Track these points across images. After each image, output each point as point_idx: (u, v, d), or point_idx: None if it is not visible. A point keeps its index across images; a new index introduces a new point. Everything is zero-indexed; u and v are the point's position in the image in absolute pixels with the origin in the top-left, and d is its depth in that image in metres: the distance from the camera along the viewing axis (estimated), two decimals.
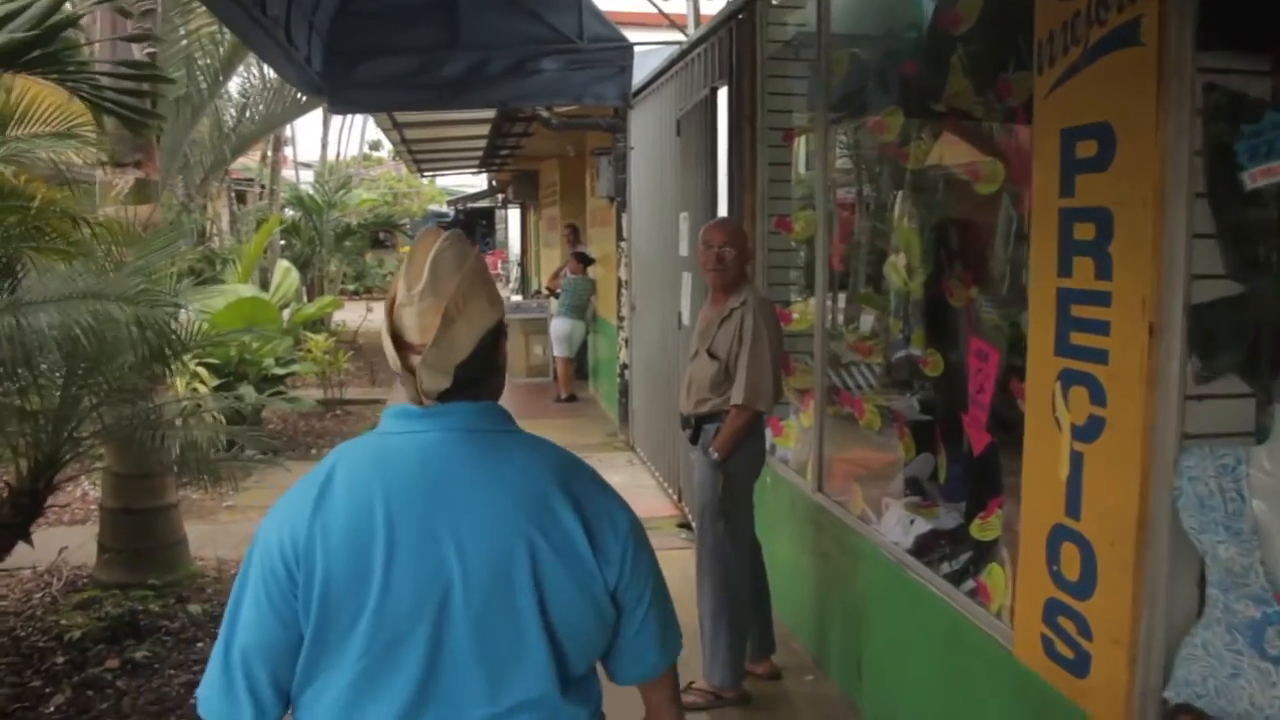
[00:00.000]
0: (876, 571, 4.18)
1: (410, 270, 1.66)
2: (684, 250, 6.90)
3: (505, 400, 1.79)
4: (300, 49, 4.55)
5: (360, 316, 18.00)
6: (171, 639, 5.30)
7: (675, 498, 7.58)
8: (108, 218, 5.42)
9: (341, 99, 6.06)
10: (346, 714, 1.61)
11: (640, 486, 8.22)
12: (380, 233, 26.83)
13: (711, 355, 4.45)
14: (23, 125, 4.87)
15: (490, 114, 10.31)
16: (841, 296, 5.30)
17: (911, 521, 4.17)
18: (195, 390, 8.43)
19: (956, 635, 3.49)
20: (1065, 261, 2.74)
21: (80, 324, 3.90)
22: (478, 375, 1.68)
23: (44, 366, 4.53)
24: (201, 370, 8.53)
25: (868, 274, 5.16)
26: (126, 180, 5.45)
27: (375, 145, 29.44)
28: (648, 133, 8.32)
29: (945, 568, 3.87)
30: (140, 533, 5.75)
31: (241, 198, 15.79)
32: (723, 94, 5.97)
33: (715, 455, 4.33)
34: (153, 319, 4.19)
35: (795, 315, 5.47)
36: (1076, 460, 2.72)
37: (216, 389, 8.97)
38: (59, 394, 4.66)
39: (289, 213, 16.58)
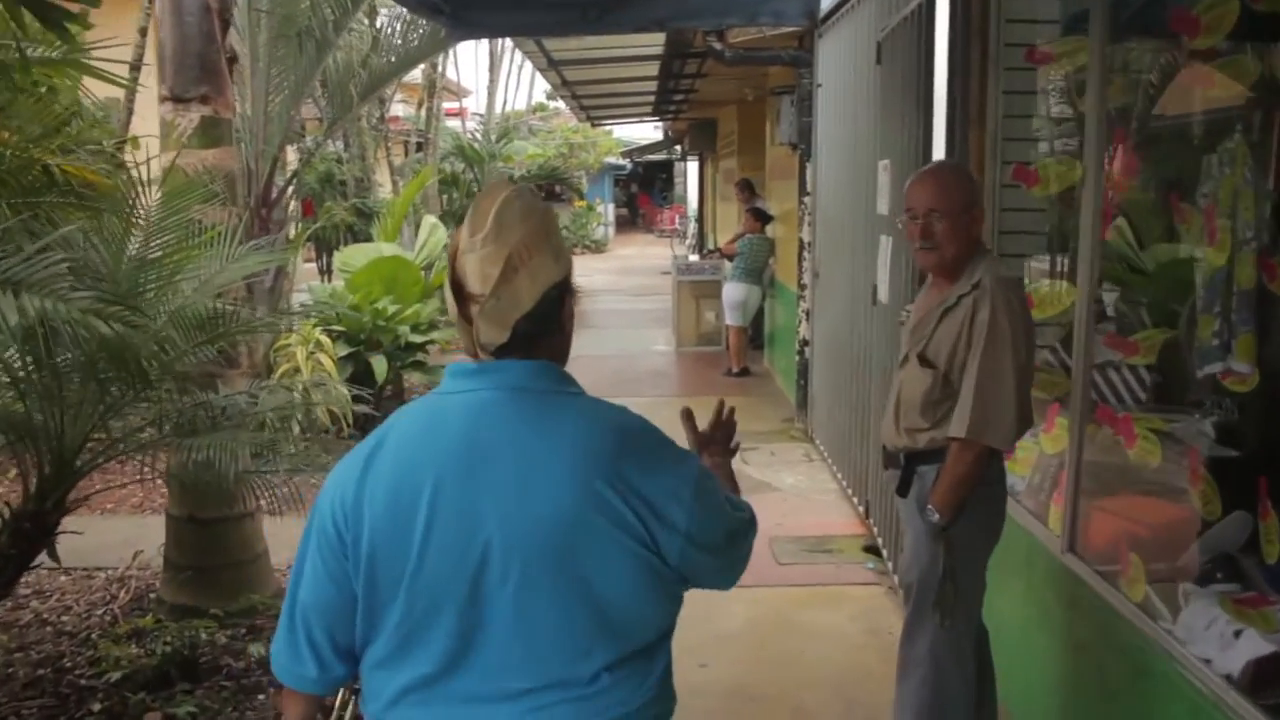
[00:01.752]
0: (1176, 705, 2.76)
1: (475, 217, 1.61)
2: (883, 208, 5.48)
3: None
4: None
5: None
6: (231, 685, 4.32)
7: (862, 510, 6.20)
8: (175, 166, 4.42)
9: (464, 20, 4.90)
10: (387, 677, 1.63)
11: (819, 492, 6.87)
12: (555, 185, 26.06)
13: (926, 362, 3.10)
14: None
15: (658, 48, 9.02)
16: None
17: (1236, 634, 2.73)
18: (318, 362, 7.50)
19: None
20: None
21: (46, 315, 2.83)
22: (538, 331, 1.62)
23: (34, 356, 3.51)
24: (324, 339, 7.59)
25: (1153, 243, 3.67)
26: (190, 119, 4.42)
27: (551, 96, 28.60)
28: (839, 64, 6.88)
29: None
30: (209, 547, 4.79)
31: (419, 148, 15.01)
32: (942, 3, 4.51)
33: (935, 518, 2.99)
34: (118, 317, 3.04)
35: (1034, 299, 4.00)
36: None
37: (344, 359, 8.06)
38: (66, 387, 3.64)
39: (451, 165, 15.75)
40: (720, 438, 2.13)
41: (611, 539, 1.56)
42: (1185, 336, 3.35)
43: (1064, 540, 3.50)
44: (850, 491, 6.59)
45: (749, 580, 1.94)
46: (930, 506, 3.00)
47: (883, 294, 5.53)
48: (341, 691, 1.94)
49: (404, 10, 7.82)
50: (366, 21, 9.21)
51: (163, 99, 4.55)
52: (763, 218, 10.87)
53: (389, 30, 7.87)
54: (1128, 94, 3.76)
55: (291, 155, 15.64)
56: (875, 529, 5.87)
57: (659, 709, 1.69)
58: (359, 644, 1.65)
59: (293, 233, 10.19)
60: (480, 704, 1.60)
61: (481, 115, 20.09)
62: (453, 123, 19.62)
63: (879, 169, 5.55)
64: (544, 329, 1.63)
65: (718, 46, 7.84)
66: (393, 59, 7.75)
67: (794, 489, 6.93)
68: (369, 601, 1.60)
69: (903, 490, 3.21)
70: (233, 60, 4.63)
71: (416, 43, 7.73)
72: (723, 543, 1.69)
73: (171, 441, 4.06)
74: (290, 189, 7.91)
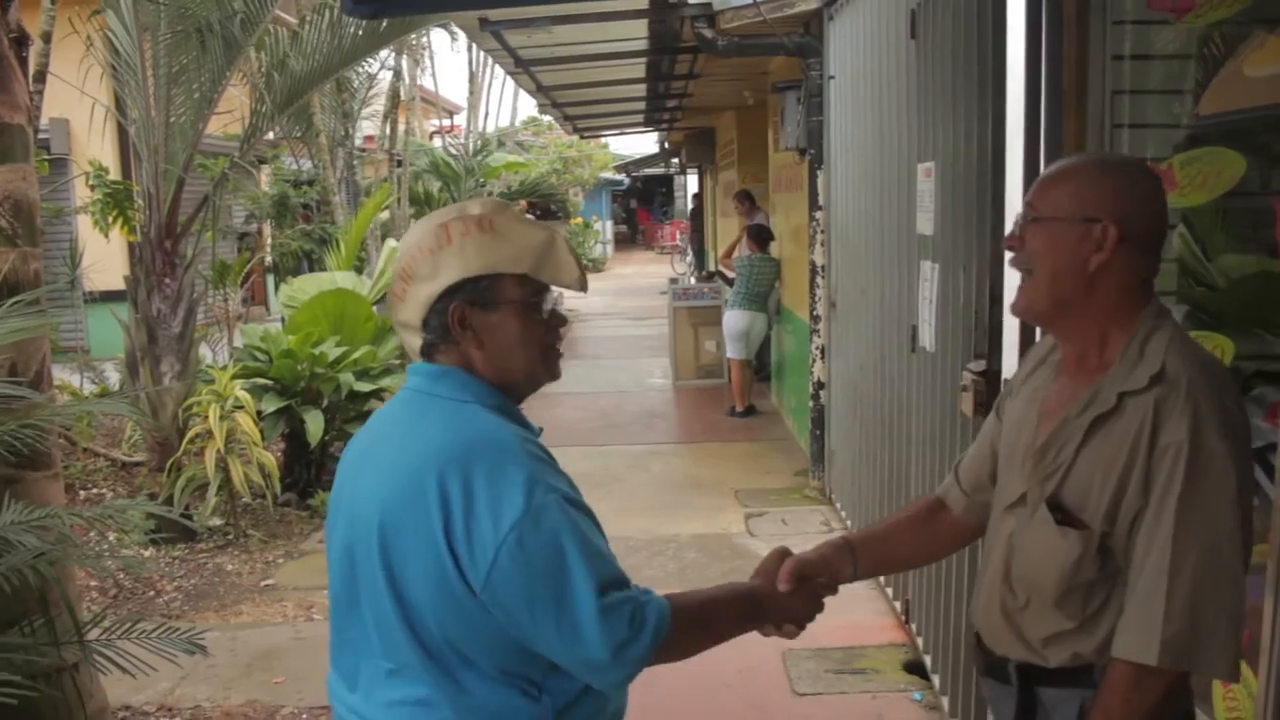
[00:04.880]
0: None
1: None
2: (925, 226, 4.17)
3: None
4: None
5: None
6: None
7: (900, 610, 4.87)
8: None
9: None
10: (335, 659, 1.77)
11: None
12: (550, 204, 24.77)
13: (1064, 514, 1.76)
14: None
15: (641, 42, 7.73)
16: None
17: None
18: (235, 423, 6.19)
19: None
20: None
21: None
22: (433, 340, 1.69)
23: None
24: (244, 395, 6.28)
25: None
26: None
27: (542, 110, 27.47)
28: (857, 47, 5.57)
29: None
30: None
31: (399, 166, 13.76)
32: None
33: None
34: None
35: None
36: None
37: (275, 415, 6.75)
38: None
39: (424, 184, 14.43)
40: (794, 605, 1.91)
41: (421, 538, 1.57)
42: None
43: None
44: (882, 580, 5.26)
45: None
46: None
47: (926, 338, 4.22)
48: None
49: (331, 7, 6.59)
50: (295, 20, 7.99)
51: None
52: (763, 237, 9.54)
53: (313, 27, 6.55)
54: None
55: (265, 176, 14.48)
56: (919, 637, 4.54)
57: None
58: None
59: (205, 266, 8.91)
60: (359, 685, 1.70)
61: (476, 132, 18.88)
62: (441, 141, 18.38)
63: (918, 175, 4.24)
64: (439, 339, 1.69)
65: (708, 34, 6.54)
66: (317, 61, 6.45)
67: None
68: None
69: (1025, 717, 1.88)
70: (20, 43, 3.32)
71: (347, 43, 6.44)
72: (522, 610, 1.56)
73: None
74: (203, 215, 6.61)
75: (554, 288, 1.73)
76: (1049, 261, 1.75)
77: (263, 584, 5.73)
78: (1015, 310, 1.89)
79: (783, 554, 1.94)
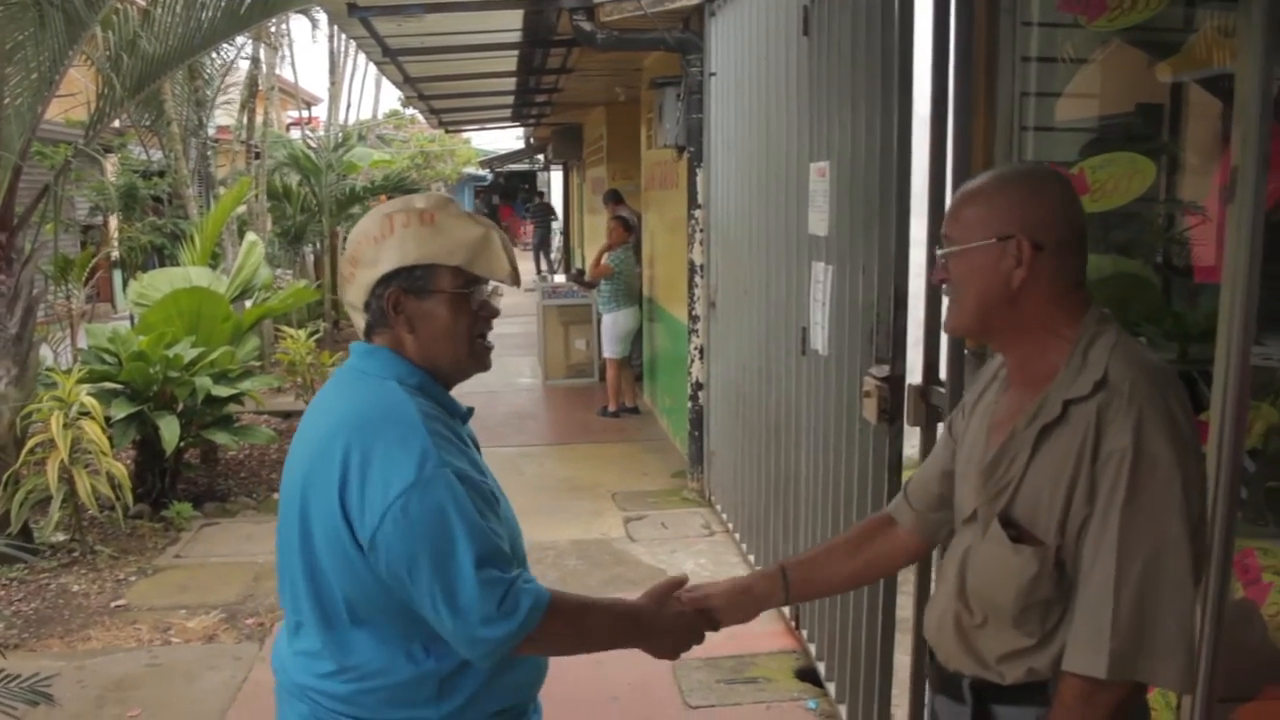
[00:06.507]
0: None
1: None
2: (818, 226, 4.10)
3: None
4: None
5: None
6: None
7: (790, 617, 4.80)
8: None
9: None
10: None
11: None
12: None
13: (1014, 528, 1.68)
14: None
15: (515, 34, 7.51)
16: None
17: None
18: (81, 431, 5.76)
19: None
20: None
21: None
22: (372, 323, 1.83)
23: None
24: (90, 402, 5.85)
25: None
26: None
27: (406, 103, 26.88)
28: (742, 44, 5.49)
29: None
30: None
31: (258, 158, 13.16)
32: None
33: None
34: None
35: None
36: None
37: (125, 421, 6.32)
38: None
39: (282, 177, 13.86)
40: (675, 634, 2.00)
41: (325, 498, 1.70)
42: None
43: None
44: None
45: None
46: None
47: (818, 342, 4.15)
48: None
49: None
50: None
51: None
52: (630, 225, 9.49)
53: (166, 7, 6.12)
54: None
55: (111, 166, 13.69)
56: (810, 644, 4.48)
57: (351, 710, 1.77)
58: None
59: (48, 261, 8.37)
60: (284, 634, 1.90)
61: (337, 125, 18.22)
62: (299, 133, 17.68)
63: (811, 175, 4.17)
64: (377, 321, 1.82)
65: (587, 28, 6.38)
66: (171, 44, 6.04)
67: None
68: None
69: None
70: None
71: (204, 25, 6.06)
72: (403, 571, 1.68)
73: None
74: (42, 206, 6.14)
75: (492, 285, 1.86)
76: (973, 285, 1.72)
77: (113, 605, 5.32)
78: (946, 329, 1.88)
79: (679, 582, 2.04)
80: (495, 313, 1.88)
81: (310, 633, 1.79)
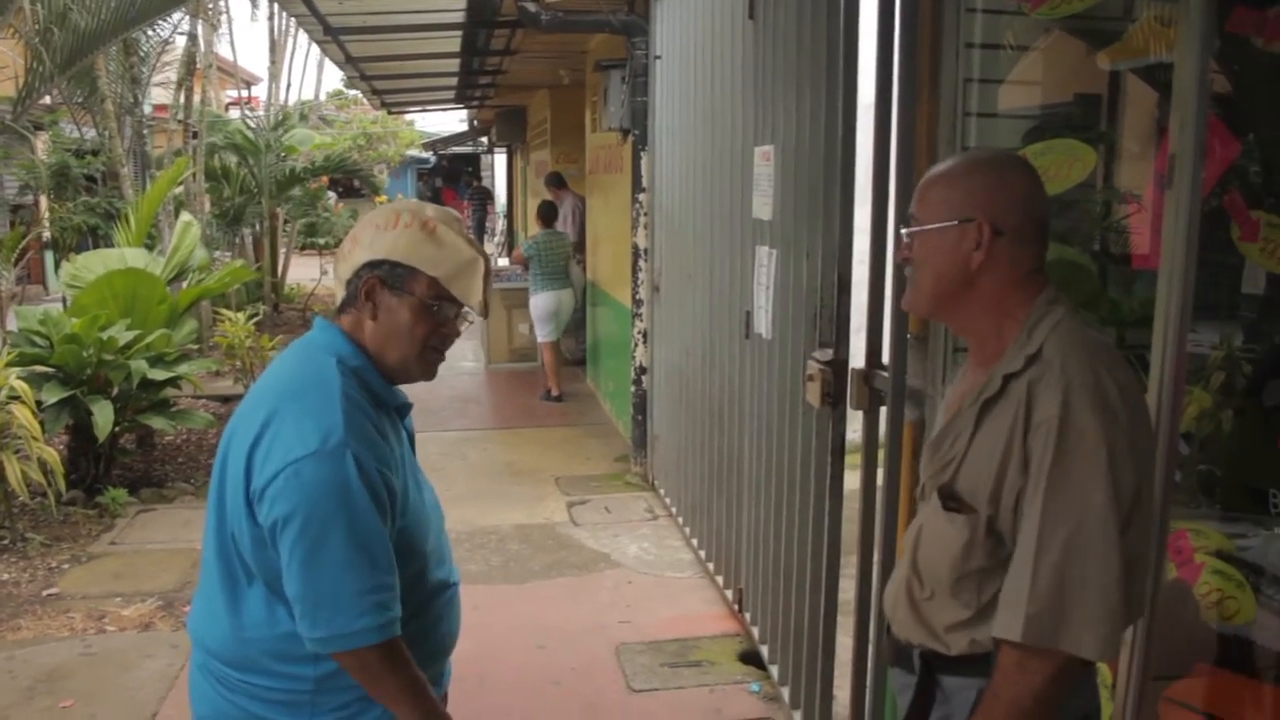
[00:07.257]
0: None
1: None
2: (762, 210, 4.11)
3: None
4: None
5: (314, 278, 15.10)
6: None
7: (733, 599, 4.82)
8: None
9: None
10: None
11: (672, 567, 5.45)
12: (354, 181, 23.91)
13: (955, 502, 1.71)
14: None
15: (459, 14, 7.42)
16: None
17: None
18: (11, 416, 5.63)
19: None
20: None
21: None
22: (347, 300, 1.91)
23: None
24: (20, 385, 5.71)
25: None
26: None
27: (349, 84, 26.50)
28: (687, 27, 5.48)
29: None
30: None
31: (195, 137, 12.86)
32: None
33: None
34: None
35: None
36: None
37: (57, 406, 6.18)
38: None
39: (221, 158, 13.60)
40: None
41: (240, 451, 1.79)
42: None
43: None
44: (712, 568, 5.21)
45: None
46: None
47: (762, 325, 4.16)
48: None
49: None
50: None
51: None
52: (549, 214, 9.68)
53: None
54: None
55: (42, 144, 13.33)
56: (754, 627, 4.50)
57: (252, 679, 1.86)
58: None
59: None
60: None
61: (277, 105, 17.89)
62: (238, 112, 17.32)
63: (755, 159, 4.17)
64: (349, 301, 1.91)
65: (531, 8, 6.32)
66: (104, 18, 5.90)
67: (640, 563, 5.49)
68: None
69: (918, 715, 1.82)
70: None
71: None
72: (279, 526, 1.74)
73: None
74: None
75: (463, 309, 1.92)
76: (932, 265, 1.76)
77: (45, 593, 5.21)
78: (904, 307, 1.90)
79: None
80: (456, 334, 1.94)
81: (212, 590, 1.88)
